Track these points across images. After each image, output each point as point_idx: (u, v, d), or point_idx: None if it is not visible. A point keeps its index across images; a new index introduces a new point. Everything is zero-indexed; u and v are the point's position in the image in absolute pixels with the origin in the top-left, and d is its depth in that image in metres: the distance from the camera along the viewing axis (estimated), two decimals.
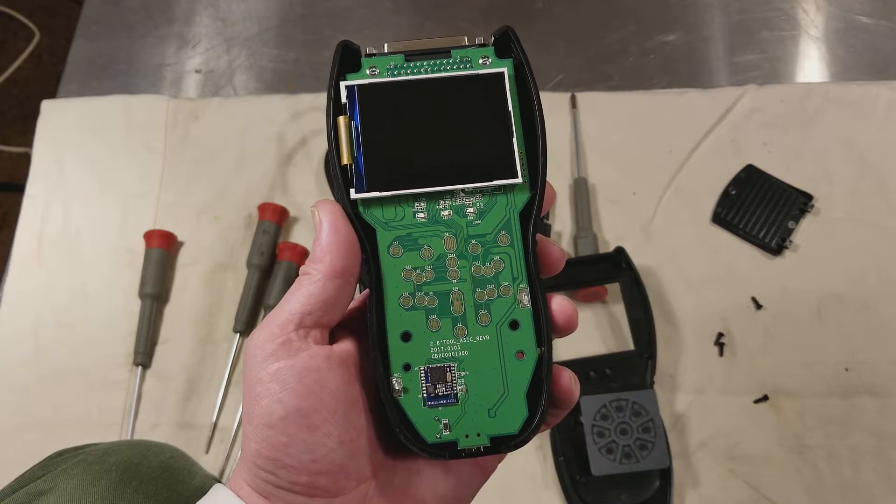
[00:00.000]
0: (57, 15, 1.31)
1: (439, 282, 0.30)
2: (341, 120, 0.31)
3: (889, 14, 0.78)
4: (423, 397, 0.30)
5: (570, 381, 0.30)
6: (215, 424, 0.64)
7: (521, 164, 0.31)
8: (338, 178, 0.30)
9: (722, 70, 0.77)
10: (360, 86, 0.31)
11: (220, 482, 0.30)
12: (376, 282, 0.30)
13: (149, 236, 0.69)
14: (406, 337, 0.30)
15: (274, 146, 0.74)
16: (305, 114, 0.75)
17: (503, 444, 0.30)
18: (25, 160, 0.77)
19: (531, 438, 0.30)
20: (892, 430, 0.61)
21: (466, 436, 0.30)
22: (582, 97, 0.74)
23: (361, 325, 0.31)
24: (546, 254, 0.31)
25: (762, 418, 0.62)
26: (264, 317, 0.66)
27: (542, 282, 0.31)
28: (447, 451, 0.30)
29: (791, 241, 0.67)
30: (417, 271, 0.30)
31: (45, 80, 1.29)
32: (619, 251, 0.64)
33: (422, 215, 0.31)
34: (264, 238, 0.68)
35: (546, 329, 0.30)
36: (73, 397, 0.66)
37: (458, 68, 0.32)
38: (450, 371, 0.30)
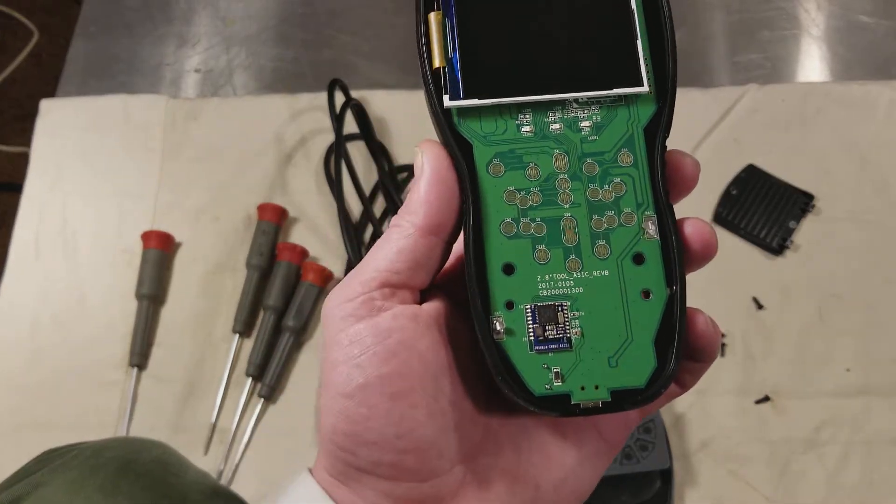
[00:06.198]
0: (56, 15, 1.31)
1: (548, 206, 0.26)
2: (432, 17, 0.26)
3: (890, 14, 0.78)
4: (530, 340, 0.25)
5: (707, 324, 0.26)
6: (214, 425, 0.64)
7: (647, 71, 0.26)
8: (428, 83, 0.26)
9: (723, 69, 0.77)
10: None
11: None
12: (474, 205, 0.26)
13: (146, 237, 0.69)
14: (509, 269, 0.26)
15: (273, 146, 0.74)
16: (305, 114, 0.75)
17: (627, 400, 0.25)
18: (24, 160, 0.76)
19: (661, 395, 0.25)
20: (893, 430, 0.61)
21: (582, 388, 0.25)
22: None
23: (455, 281, 0.27)
24: (676, 168, 0.26)
25: (763, 419, 0.62)
26: (263, 318, 0.65)
27: (672, 209, 0.26)
28: (560, 407, 0.25)
29: (792, 241, 0.67)
30: (522, 193, 0.26)
31: (43, 79, 1.28)
32: None
33: (527, 129, 0.26)
34: (263, 238, 0.68)
35: (678, 265, 0.26)
36: (70, 398, 0.65)
37: None
38: (562, 311, 0.25)
